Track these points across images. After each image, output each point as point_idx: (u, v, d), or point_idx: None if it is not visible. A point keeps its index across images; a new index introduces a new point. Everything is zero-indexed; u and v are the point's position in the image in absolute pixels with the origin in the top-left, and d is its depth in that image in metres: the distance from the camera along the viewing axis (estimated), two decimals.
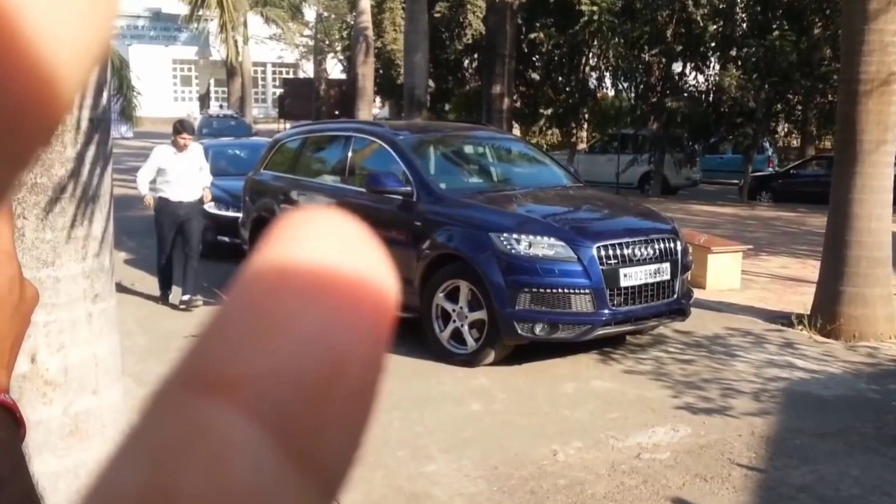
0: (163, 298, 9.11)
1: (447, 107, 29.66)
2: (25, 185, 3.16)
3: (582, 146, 26.81)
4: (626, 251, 7.13)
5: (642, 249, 7.24)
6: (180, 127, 9.05)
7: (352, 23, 30.17)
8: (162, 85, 47.78)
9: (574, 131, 25.78)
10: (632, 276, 7.12)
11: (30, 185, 3.19)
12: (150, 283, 9.58)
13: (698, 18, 20.56)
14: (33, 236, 3.22)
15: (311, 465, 0.21)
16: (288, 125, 31.60)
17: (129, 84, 33.89)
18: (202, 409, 0.21)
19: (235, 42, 33.52)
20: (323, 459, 0.22)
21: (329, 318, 0.22)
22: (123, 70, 32.66)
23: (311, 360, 0.21)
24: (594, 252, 7.00)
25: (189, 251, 9.02)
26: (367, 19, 23.15)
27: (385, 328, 0.23)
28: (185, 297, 8.91)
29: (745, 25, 21.17)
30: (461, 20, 26.63)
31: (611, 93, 29.21)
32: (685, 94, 22.28)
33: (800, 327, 8.50)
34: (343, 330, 0.22)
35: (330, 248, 0.23)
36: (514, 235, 7.09)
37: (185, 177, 8.97)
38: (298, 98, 32.71)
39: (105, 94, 3.48)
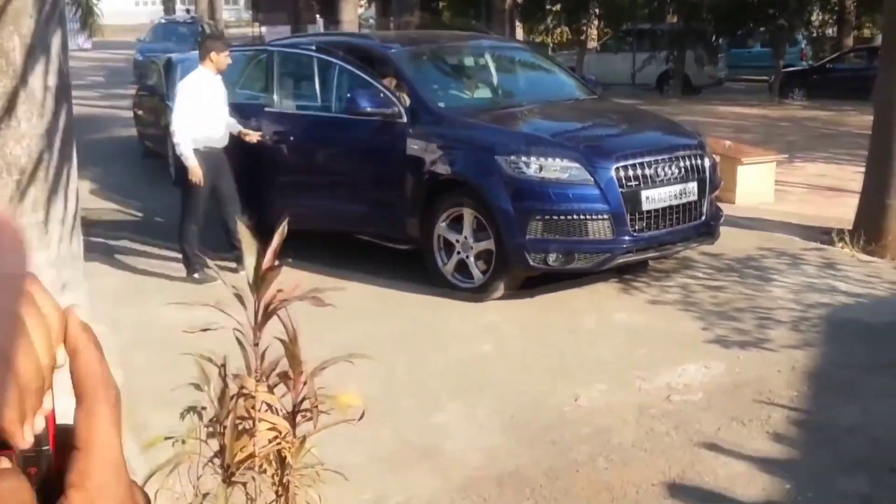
0: (197, 273, 7.70)
1: (441, 4, 29.21)
2: None
3: (593, 45, 26.48)
4: (647, 171, 7.08)
5: (666, 168, 7.18)
6: (216, 41, 8.12)
7: None
8: None
9: (584, 28, 25.45)
10: (655, 199, 7.09)
11: None
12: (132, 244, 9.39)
13: None
14: None
15: None
16: (264, 29, 31.24)
17: None
18: None
19: None
20: None
21: None
22: None
23: None
24: (612, 173, 6.95)
25: (234, 208, 7.73)
26: None
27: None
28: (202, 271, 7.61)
29: None
30: None
31: None
32: None
33: (841, 244, 8.49)
34: None
35: None
36: (523, 157, 7.03)
37: (222, 111, 7.89)
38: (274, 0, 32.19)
39: (63, 55, 3.39)
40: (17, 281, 0.56)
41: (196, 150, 7.62)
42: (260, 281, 3.26)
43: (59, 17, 3.43)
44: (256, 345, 3.38)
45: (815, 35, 25.27)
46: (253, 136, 8.05)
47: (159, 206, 9.92)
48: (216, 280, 7.48)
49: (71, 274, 3.44)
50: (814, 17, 23.93)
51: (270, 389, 3.35)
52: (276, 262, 3.27)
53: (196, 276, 7.71)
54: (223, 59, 7.78)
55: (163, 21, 31.31)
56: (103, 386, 0.61)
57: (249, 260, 3.29)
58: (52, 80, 3.32)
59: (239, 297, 3.28)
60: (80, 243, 3.66)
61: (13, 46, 3.16)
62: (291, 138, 8.23)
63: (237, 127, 8.03)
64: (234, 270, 7.64)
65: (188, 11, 42.35)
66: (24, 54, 3.19)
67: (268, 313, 3.33)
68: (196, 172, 7.58)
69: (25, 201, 3.25)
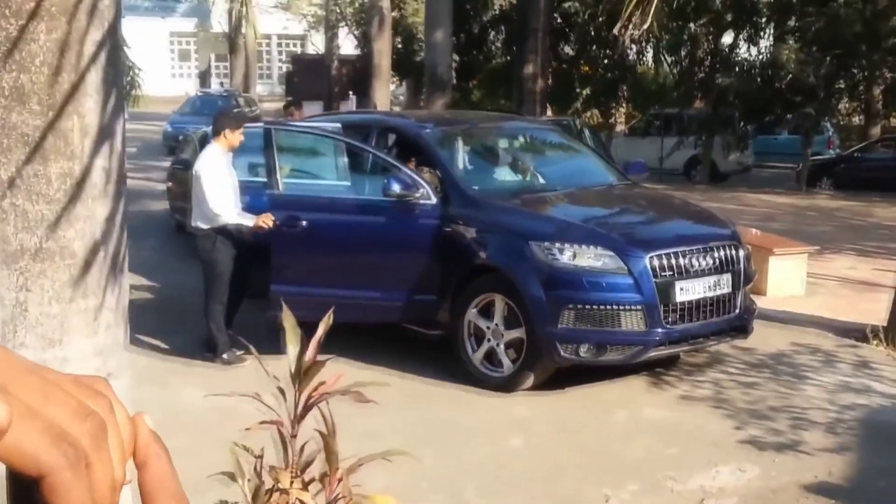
0: (226, 354, 7.61)
1: (472, 84, 29.45)
2: (29, 251, 3.03)
3: (621, 128, 26.56)
4: (682, 261, 6.93)
5: (700, 259, 7.03)
6: (229, 118, 8.04)
7: None
8: (158, 61, 47.71)
9: (613, 111, 25.56)
10: (688, 290, 6.92)
11: (33, 252, 3.04)
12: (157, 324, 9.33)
13: None
14: (38, 311, 3.07)
15: None
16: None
17: (126, 59, 33.86)
18: None
19: (246, 9, 33.47)
20: None
21: None
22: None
23: None
24: (646, 263, 6.80)
25: (244, 290, 7.80)
26: None
27: None
28: (232, 352, 7.59)
29: None
30: None
31: (652, 68, 28.94)
32: (736, 69, 22.00)
33: (875, 342, 8.27)
34: None
35: None
36: (557, 244, 6.91)
37: (235, 190, 7.78)
38: (308, 76, 32.59)
39: (120, 137, 3.33)
40: (97, 385, 0.53)
41: (223, 229, 7.54)
42: (303, 374, 3.17)
43: (118, 96, 3.38)
44: (294, 437, 3.28)
45: (842, 123, 25.27)
46: (267, 221, 7.48)
47: (190, 283, 9.80)
48: (245, 362, 7.46)
49: (117, 362, 3.35)
50: (841, 106, 23.93)
51: (305, 486, 3.23)
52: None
53: (224, 356, 7.57)
54: (236, 136, 7.66)
55: (199, 94, 31.68)
56: (175, 502, 0.56)
57: (292, 350, 3.21)
58: (111, 163, 3.27)
59: (281, 390, 3.21)
60: (127, 331, 3.58)
61: (72, 127, 3.10)
62: (306, 222, 7.59)
63: (247, 217, 7.65)
64: (210, 359, 7.63)
65: (222, 85, 42.97)
66: (82, 135, 3.14)
67: (308, 406, 3.23)
68: (265, 220, 7.41)
69: (77, 287, 3.17)
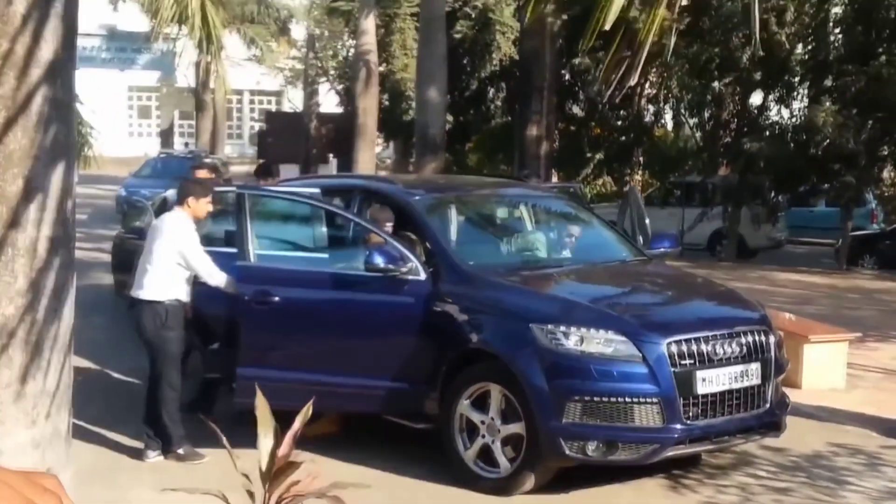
0: (182, 452, 7.57)
1: (468, 146, 29.75)
2: None
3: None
4: (704, 348, 6.94)
5: (725, 345, 7.05)
6: (196, 185, 8.16)
7: (350, 43, 30.42)
8: (115, 118, 48.12)
9: (627, 177, 25.77)
10: (712, 381, 6.93)
11: None
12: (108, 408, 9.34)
13: (783, 39, 20.55)
14: None
15: None
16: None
17: (78, 117, 34.17)
18: None
19: (216, 63, 33.85)
20: None
21: None
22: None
23: None
24: (663, 349, 6.82)
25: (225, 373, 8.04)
26: (370, 41, 23.24)
27: None
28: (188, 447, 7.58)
29: (841, 49, 21.15)
30: (488, 42, 26.78)
31: (671, 130, 29.26)
32: (766, 133, 22.23)
33: None
34: None
35: None
36: (562, 327, 6.92)
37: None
38: (283, 136, 32.88)
39: (69, 201, 3.37)
40: (46, 482, 0.57)
41: (177, 301, 7.60)
42: (274, 473, 3.17)
43: (69, 158, 3.43)
44: None
45: (886, 194, 25.44)
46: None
47: (142, 366, 9.77)
48: (203, 458, 7.42)
49: (57, 456, 3.35)
50: (885, 174, 24.14)
51: None
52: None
53: (180, 451, 7.54)
54: (202, 206, 7.78)
55: (162, 155, 31.92)
56: None
57: (265, 444, 3.20)
58: (58, 231, 3.29)
59: (249, 493, 3.21)
60: (69, 420, 3.58)
61: (16, 191, 3.14)
62: (279, 298, 7.60)
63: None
64: (139, 457, 7.57)
65: (186, 145, 43.30)
66: (28, 201, 3.17)
67: None
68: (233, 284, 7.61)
69: (12, 370, 3.18)
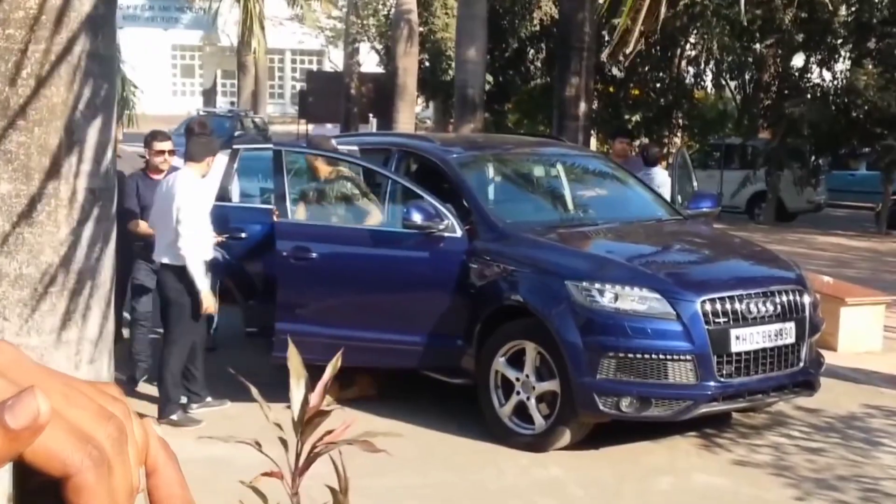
0: (175, 419, 7.50)
1: (507, 107, 29.60)
2: (7, 277, 3.09)
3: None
4: (738, 306, 6.91)
5: (760, 304, 7.01)
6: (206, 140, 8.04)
7: (391, 2, 30.30)
8: (159, 77, 48.33)
9: (666, 140, 25.56)
10: (746, 339, 6.90)
11: (13, 278, 3.10)
12: None
13: (826, 1, 20.25)
14: (15, 342, 3.12)
15: None
16: (310, 127, 31.85)
17: (123, 76, 34.32)
18: None
19: (250, 20, 33.90)
20: None
21: None
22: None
23: None
24: (698, 307, 6.79)
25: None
26: (411, 0, 23.17)
27: None
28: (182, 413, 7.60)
29: (885, 10, 20.81)
30: (528, 2, 26.57)
31: (712, 92, 28.95)
32: (808, 96, 21.97)
33: None
34: None
35: None
36: (597, 284, 6.92)
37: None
38: (324, 95, 32.83)
39: (109, 154, 3.40)
40: (113, 390, 0.58)
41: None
42: (306, 422, 3.19)
43: (110, 113, 3.45)
44: (296, 494, 3.30)
45: None
46: (210, 309, 7.68)
47: None
48: (200, 423, 7.38)
49: None
50: None
51: None
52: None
53: (174, 416, 7.49)
54: (205, 165, 7.66)
55: (202, 113, 32.01)
56: None
57: (296, 394, 3.23)
58: (97, 182, 3.33)
59: (282, 440, 3.24)
60: (111, 366, 3.63)
61: (58, 144, 3.17)
62: (316, 254, 7.68)
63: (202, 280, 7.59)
64: (184, 408, 7.64)
65: (232, 104, 43.40)
66: (69, 154, 3.20)
67: (311, 458, 3.26)
68: (209, 308, 7.59)
69: (55, 317, 3.22)
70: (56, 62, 3.17)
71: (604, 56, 9.15)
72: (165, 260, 7.54)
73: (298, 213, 8.04)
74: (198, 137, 8.40)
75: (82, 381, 0.57)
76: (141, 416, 0.62)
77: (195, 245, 7.38)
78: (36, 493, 0.54)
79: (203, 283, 7.43)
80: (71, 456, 0.52)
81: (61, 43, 3.18)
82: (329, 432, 3.32)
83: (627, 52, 5.30)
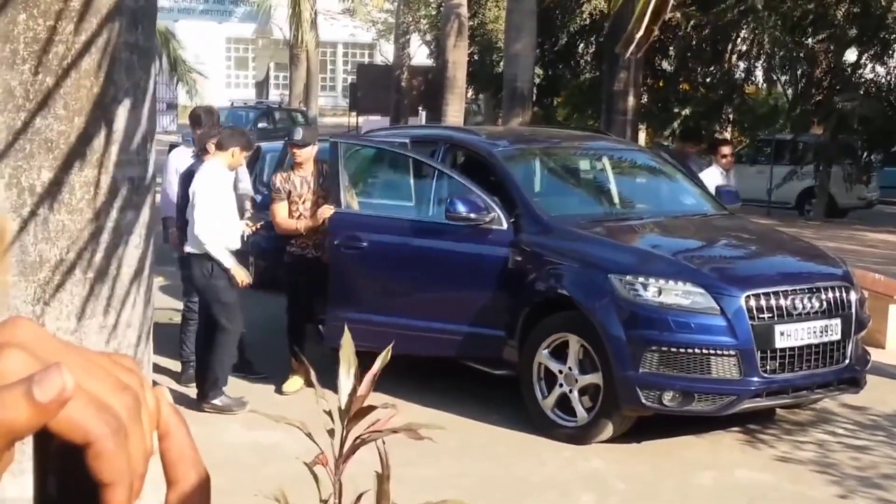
0: (218, 403, 7.43)
1: (556, 101, 29.51)
2: (49, 263, 3.13)
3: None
4: (783, 302, 6.85)
5: (805, 300, 6.94)
6: (237, 137, 7.81)
7: None
8: (214, 68, 48.67)
9: (716, 135, 25.35)
10: (791, 335, 6.83)
11: (53, 264, 3.13)
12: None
13: None
14: (54, 326, 3.15)
15: None
16: (361, 119, 31.94)
17: (182, 62, 34.65)
18: None
19: (298, 13, 34.08)
20: None
21: None
22: (172, 45, 33.45)
23: None
24: (742, 302, 6.74)
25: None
26: None
27: None
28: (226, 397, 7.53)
29: None
30: None
31: (763, 87, 28.68)
32: (860, 91, 21.69)
33: None
34: None
35: None
36: (641, 278, 6.89)
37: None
38: (374, 88, 32.92)
39: (150, 147, 3.45)
40: (127, 362, 0.62)
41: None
42: (352, 412, 3.23)
43: (150, 104, 3.50)
44: (339, 479, 3.34)
45: None
46: (244, 280, 7.65)
47: None
48: (244, 408, 7.27)
49: None
50: None
51: None
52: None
53: (216, 402, 7.43)
54: (237, 156, 7.63)
55: (237, 105, 32.22)
56: (196, 471, 0.64)
57: (345, 383, 3.26)
58: (138, 173, 3.37)
59: (330, 432, 3.29)
60: (150, 353, 3.68)
61: (98, 133, 3.21)
62: (367, 244, 7.81)
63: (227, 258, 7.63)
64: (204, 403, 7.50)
65: (282, 97, 43.65)
66: (109, 143, 3.24)
67: (356, 446, 3.29)
68: (244, 280, 7.62)
69: (98, 302, 3.26)
70: (97, 54, 3.20)
71: (617, 49, 9.02)
72: (189, 249, 7.58)
73: (350, 204, 8.12)
74: (230, 129, 8.47)
75: (99, 354, 0.61)
76: (155, 384, 0.65)
77: (210, 231, 7.35)
78: (55, 456, 0.59)
79: (229, 261, 7.46)
80: (92, 425, 0.56)
81: (103, 35, 3.22)
82: (374, 423, 3.35)
83: (637, 36, 5.22)
